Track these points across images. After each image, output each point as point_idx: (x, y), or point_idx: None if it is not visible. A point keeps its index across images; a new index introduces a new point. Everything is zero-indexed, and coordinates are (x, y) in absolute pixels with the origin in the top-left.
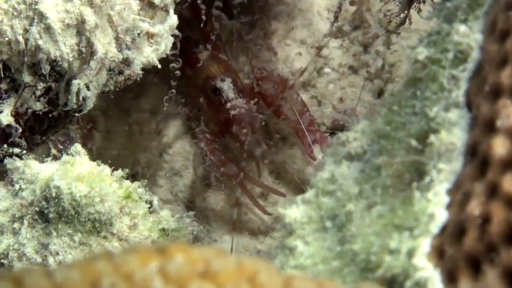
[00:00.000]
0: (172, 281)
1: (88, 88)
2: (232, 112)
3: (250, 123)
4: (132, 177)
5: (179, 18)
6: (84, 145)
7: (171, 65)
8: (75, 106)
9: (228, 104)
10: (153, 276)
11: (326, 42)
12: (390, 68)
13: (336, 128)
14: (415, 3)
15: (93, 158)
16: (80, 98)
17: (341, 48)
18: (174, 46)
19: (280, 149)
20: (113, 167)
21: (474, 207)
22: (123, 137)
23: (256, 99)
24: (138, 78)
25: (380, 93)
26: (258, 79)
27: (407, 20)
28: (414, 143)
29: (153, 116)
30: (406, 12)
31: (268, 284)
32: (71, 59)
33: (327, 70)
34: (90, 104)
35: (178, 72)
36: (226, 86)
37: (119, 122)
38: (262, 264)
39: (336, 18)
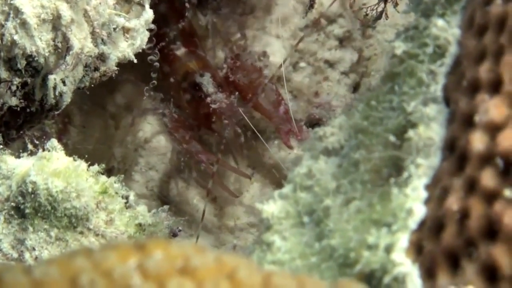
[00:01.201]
0: (151, 278)
1: (64, 83)
2: (213, 106)
3: (230, 117)
4: (108, 172)
5: (156, 14)
6: (59, 140)
7: (149, 57)
8: (53, 102)
9: (208, 99)
10: (132, 272)
11: (303, 36)
12: (366, 62)
13: (312, 122)
14: None
15: (68, 152)
16: (57, 94)
17: (316, 42)
18: (150, 39)
19: (257, 142)
20: (89, 162)
21: (453, 202)
22: (98, 131)
23: (236, 93)
24: (114, 74)
25: (356, 87)
26: (231, 68)
27: (383, 14)
28: (392, 138)
29: (129, 111)
30: (382, 6)
31: (247, 280)
32: (47, 54)
33: (302, 64)
34: (67, 99)
35: (157, 64)
36: (206, 81)
37: (94, 117)
38: (241, 261)
39: (310, 7)
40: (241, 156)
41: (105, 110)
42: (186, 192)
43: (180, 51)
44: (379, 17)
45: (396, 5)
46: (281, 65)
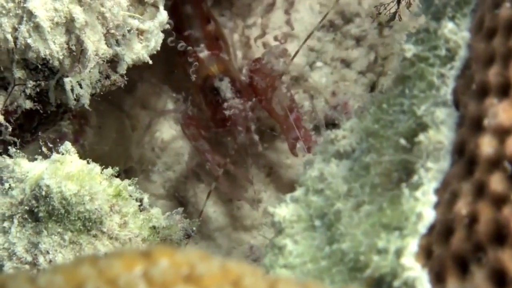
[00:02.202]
0: (157, 285)
1: (80, 86)
2: (227, 113)
3: (243, 124)
4: (125, 172)
5: (179, 16)
6: (76, 141)
7: (170, 39)
8: (69, 104)
9: (225, 104)
10: (138, 280)
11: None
12: (383, 61)
13: (329, 122)
14: None
15: (85, 153)
16: (73, 96)
17: (333, 41)
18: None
19: (273, 145)
20: (104, 165)
21: (462, 207)
22: (115, 132)
23: (253, 99)
24: (122, 84)
25: (373, 87)
26: (251, 71)
27: (397, 15)
28: (402, 141)
29: (146, 111)
30: (396, 7)
31: (253, 287)
32: (61, 57)
33: (319, 64)
34: (85, 101)
35: (183, 44)
36: (224, 86)
37: (111, 118)
38: (247, 268)
39: None
40: (256, 162)
41: (121, 111)
42: (202, 193)
43: (204, 53)
44: (392, 18)
45: (409, 6)
46: (293, 58)
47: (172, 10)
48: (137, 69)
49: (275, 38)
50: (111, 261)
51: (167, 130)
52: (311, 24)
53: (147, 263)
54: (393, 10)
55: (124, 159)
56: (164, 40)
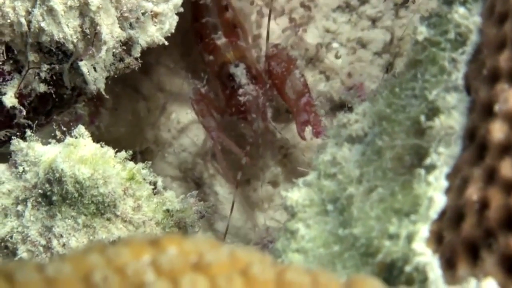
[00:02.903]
0: (165, 274)
1: (95, 69)
2: (241, 99)
3: (257, 110)
4: (141, 154)
5: (197, 3)
6: (91, 123)
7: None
8: (84, 87)
9: (240, 90)
10: (146, 268)
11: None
12: (399, 42)
13: (344, 104)
14: None
15: (101, 135)
16: (89, 79)
17: (349, 22)
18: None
19: (289, 127)
20: (120, 147)
21: (472, 192)
22: (131, 114)
23: (267, 86)
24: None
25: (388, 68)
26: (269, 56)
27: None
28: (422, 118)
29: (162, 93)
30: None
31: (261, 275)
32: (75, 41)
33: (335, 45)
34: (100, 85)
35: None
36: (239, 72)
37: (127, 99)
38: (255, 256)
39: None
40: (272, 145)
41: (137, 93)
42: (218, 174)
43: (221, 41)
44: (406, 1)
45: None
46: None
47: None
48: (153, 52)
49: (291, 20)
50: (119, 249)
51: (183, 112)
52: (326, 5)
53: (155, 251)
54: None
55: (140, 140)
56: (180, 23)
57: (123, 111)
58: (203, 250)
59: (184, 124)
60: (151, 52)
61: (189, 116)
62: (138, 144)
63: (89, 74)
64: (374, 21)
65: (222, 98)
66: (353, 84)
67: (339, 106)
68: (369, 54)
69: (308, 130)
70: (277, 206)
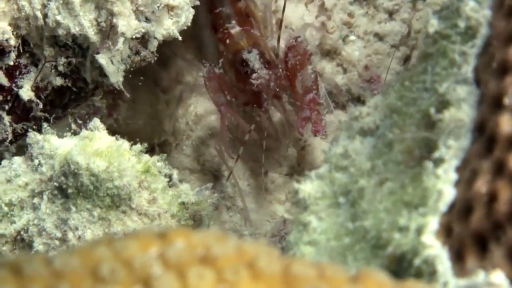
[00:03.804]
0: (172, 267)
1: (112, 62)
2: (254, 82)
3: (270, 93)
4: (159, 146)
5: None
6: (109, 115)
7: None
8: (114, 81)
9: (253, 75)
10: (153, 261)
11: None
12: (416, 35)
13: (360, 98)
14: None
15: (119, 127)
16: (106, 72)
17: (366, 15)
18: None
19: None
20: (138, 139)
21: (481, 185)
22: (149, 106)
23: (279, 70)
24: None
25: (406, 60)
26: (288, 48)
27: None
28: (432, 111)
29: (180, 85)
30: None
31: (267, 268)
32: (91, 34)
33: (352, 37)
34: (118, 78)
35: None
36: (253, 57)
37: (145, 92)
38: (262, 249)
39: None
40: (290, 134)
41: (155, 85)
42: (236, 166)
43: (235, 29)
44: None
45: None
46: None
47: None
48: (171, 44)
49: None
50: (127, 242)
51: (201, 104)
52: None
53: (163, 244)
54: None
55: (158, 133)
56: (196, 16)
57: (141, 103)
58: (210, 243)
59: (202, 116)
60: (168, 44)
61: (208, 108)
62: (156, 137)
63: (102, 67)
64: (391, 13)
65: (237, 85)
66: (370, 77)
67: (356, 99)
68: (386, 47)
69: (308, 127)
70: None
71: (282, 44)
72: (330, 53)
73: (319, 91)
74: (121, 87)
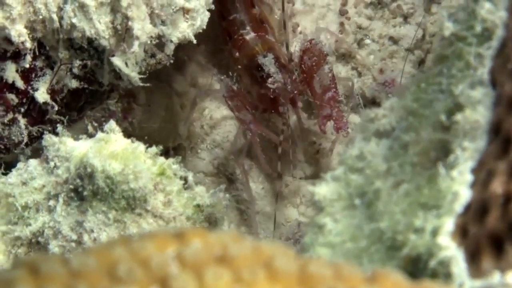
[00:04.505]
0: (189, 266)
1: (126, 65)
2: (270, 86)
3: (287, 97)
4: (174, 150)
5: (224, 1)
6: (124, 119)
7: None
8: (127, 83)
9: (269, 80)
10: (170, 261)
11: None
12: (431, 39)
13: (375, 100)
14: None
15: (134, 131)
16: (122, 75)
17: (381, 19)
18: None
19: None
20: (153, 143)
21: (497, 186)
22: (164, 110)
23: (296, 74)
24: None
25: (420, 64)
26: (303, 50)
27: None
28: (443, 117)
29: (194, 89)
30: None
31: (284, 268)
32: (106, 37)
33: (367, 41)
34: (134, 80)
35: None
36: (268, 62)
37: (159, 95)
38: (279, 249)
39: None
40: (305, 139)
41: (170, 88)
42: (251, 170)
43: (250, 36)
44: None
45: None
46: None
47: None
48: (186, 48)
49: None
50: (144, 243)
51: (216, 108)
52: (358, 1)
53: (180, 244)
54: None
55: (173, 136)
56: (211, 19)
57: (156, 107)
58: (227, 243)
59: (217, 120)
60: (183, 48)
61: (223, 112)
62: (171, 140)
63: (117, 70)
64: (406, 17)
65: (253, 90)
66: (385, 80)
67: (371, 102)
68: (401, 50)
69: (330, 124)
70: (309, 201)
71: (297, 48)
72: (345, 57)
73: (337, 89)
74: (139, 83)
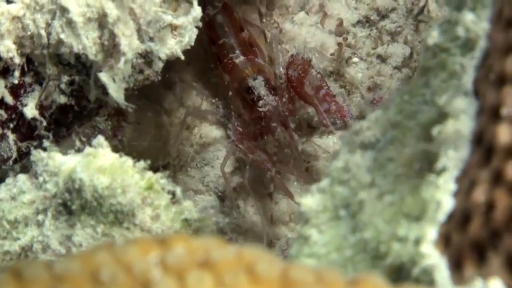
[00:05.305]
0: (172, 271)
1: (114, 80)
2: (262, 109)
3: (278, 119)
4: (164, 167)
5: (213, 26)
6: (114, 136)
7: None
8: (112, 99)
9: (260, 102)
10: (153, 266)
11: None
12: (418, 57)
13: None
14: None
15: (123, 149)
16: (108, 91)
17: (369, 37)
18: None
19: (310, 139)
20: (138, 159)
21: (479, 194)
22: (154, 128)
23: (287, 95)
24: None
25: (408, 82)
26: (287, 66)
27: (425, 9)
28: (426, 127)
29: (184, 108)
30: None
31: (266, 273)
32: (94, 53)
33: (355, 59)
34: (118, 96)
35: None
36: (258, 84)
37: (150, 114)
38: (261, 254)
39: None
40: (297, 156)
41: (160, 107)
42: (241, 188)
43: (239, 59)
44: (421, 11)
45: None
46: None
47: (205, 20)
48: (176, 68)
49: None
50: (127, 248)
51: (206, 126)
52: (346, 19)
53: (163, 250)
54: (422, 4)
55: (163, 154)
56: (202, 39)
57: (146, 125)
58: (209, 249)
59: (207, 139)
60: (173, 68)
61: (213, 131)
62: (161, 158)
63: (105, 86)
64: (393, 35)
65: (244, 113)
66: (373, 98)
67: (360, 120)
68: (389, 68)
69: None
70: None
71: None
72: (333, 75)
73: (329, 87)
74: (124, 102)
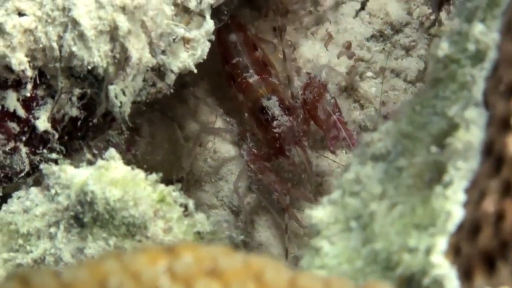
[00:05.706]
0: (180, 280)
1: (124, 93)
2: (276, 130)
3: (293, 140)
4: (178, 182)
5: (226, 45)
6: (128, 151)
7: None
8: (114, 112)
9: (274, 123)
10: (161, 274)
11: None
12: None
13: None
14: (444, 5)
15: (137, 163)
16: (118, 104)
17: (383, 51)
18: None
19: (323, 158)
20: (152, 173)
21: (489, 205)
22: (167, 142)
23: (301, 116)
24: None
25: None
26: (304, 87)
27: (437, 22)
28: (433, 149)
29: (198, 122)
30: (435, 14)
31: (274, 281)
32: (105, 65)
33: (369, 74)
34: (126, 109)
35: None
36: (272, 104)
37: (163, 128)
38: (269, 262)
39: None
40: (311, 176)
41: (174, 121)
42: (255, 202)
43: (253, 78)
44: (433, 24)
45: (449, 13)
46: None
47: (218, 39)
48: (190, 82)
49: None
50: (135, 256)
51: (220, 141)
52: (360, 34)
53: (171, 258)
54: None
55: (177, 169)
56: (213, 51)
57: (160, 139)
58: (217, 257)
59: (221, 154)
60: (187, 82)
61: (226, 146)
62: (174, 173)
63: (116, 98)
64: (407, 50)
65: (258, 133)
66: (387, 113)
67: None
68: (403, 83)
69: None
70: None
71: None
72: (347, 90)
73: (342, 113)
74: (126, 118)
